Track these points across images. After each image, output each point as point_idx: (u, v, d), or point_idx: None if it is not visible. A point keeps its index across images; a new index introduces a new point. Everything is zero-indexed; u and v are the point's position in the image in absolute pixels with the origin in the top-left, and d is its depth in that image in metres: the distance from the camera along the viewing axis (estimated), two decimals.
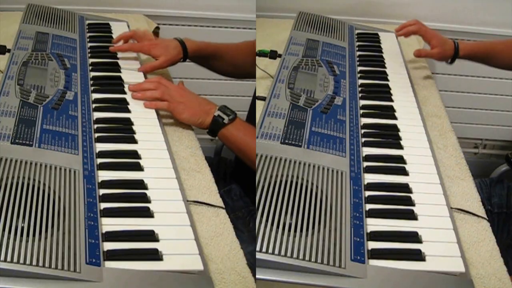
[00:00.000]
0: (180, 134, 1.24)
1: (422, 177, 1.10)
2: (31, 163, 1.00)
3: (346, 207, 0.98)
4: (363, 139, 1.18)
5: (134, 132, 1.17)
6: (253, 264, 0.93)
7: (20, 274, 0.82)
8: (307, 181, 1.00)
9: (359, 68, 1.45)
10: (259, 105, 1.24)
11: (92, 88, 1.29)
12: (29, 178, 0.96)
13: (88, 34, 1.52)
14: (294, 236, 0.90)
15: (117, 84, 1.32)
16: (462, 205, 1.09)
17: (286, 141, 1.09)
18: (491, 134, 2.24)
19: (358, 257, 0.90)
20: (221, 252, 0.99)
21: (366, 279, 0.88)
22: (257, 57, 1.43)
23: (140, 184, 1.04)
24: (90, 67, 1.37)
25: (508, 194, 1.45)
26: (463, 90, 2.11)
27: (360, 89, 1.35)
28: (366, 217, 0.98)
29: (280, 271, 0.87)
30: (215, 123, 1.21)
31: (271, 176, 1.00)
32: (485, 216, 1.08)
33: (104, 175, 1.04)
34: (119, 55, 1.43)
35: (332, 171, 1.05)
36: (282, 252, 0.87)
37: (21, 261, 0.82)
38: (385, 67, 1.48)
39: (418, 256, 0.92)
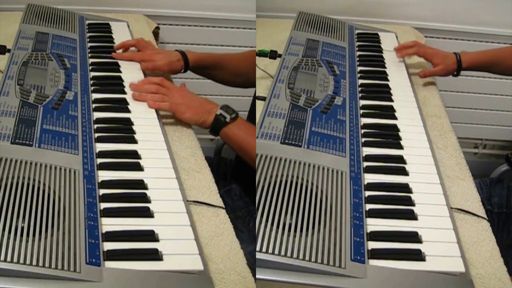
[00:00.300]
0: (180, 134, 1.24)
1: (422, 177, 1.10)
2: (31, 163, 1.00)
3: (346, 207, 0.98)
4: (363, 139, 1.18)
5: (134, 132, 1.17)
6: (253, 264, 0.93)
7: (20, 274, 0.82)
8: (307, 181, 1.00)
9: (359, 68, 1.45)
10: (259, 105, 1.24)
11: (92, 88, 1.29)
12: (29, 178, 0.96)
13: (88, 34, 1.52)
14: (294, 236, 0.90)
15: (117, 84, 1.32)
16: (462, 205, 1.09)
17: (286, 141, 1.09)
18: (491, 134, 2.24)
19: (358, 257, 0.90)
20: (221, 252, 0.99)
21: (366, 279, 0.88)
22: (257, 57, 1.43)
23: (140, 184, 1.04)
24: (90, 67, 1.37)
25: (508, 194, 1.45)
26: (463, 90, 2.11)
27: (360, 89, 1.35)
28: (366, 217, 0.98)
29: (280, 271, 0.87)
30: (217, 122, 1.21)
31: (271, 176, 1.00)
32: (485, 216, 1.08)
33: (104, 175, 1.04)
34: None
35: (332, 171, 1.05)
36: (282, 252, 0.87)
37: (21, 261, 0.82)
38: (385, 67, 1.48)
39: (418, 256, 0.92)
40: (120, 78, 1.34)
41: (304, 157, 1.06)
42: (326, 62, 1.39)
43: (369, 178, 1.07)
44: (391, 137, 1.20)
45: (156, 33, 1.82)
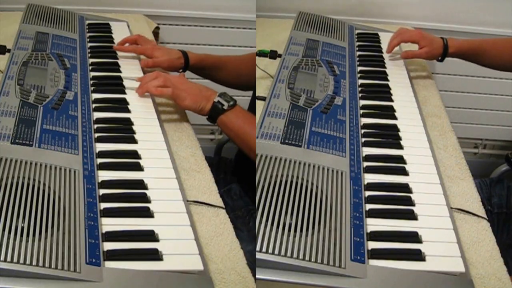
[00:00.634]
0: (180, 134, 1.24)
1: (422, 177, 1.10)
2: (31, 163, 1.00)
3: (346, 207, 0.98)
4: (363, 139, 1.18)
5: (134, 132, 1.17)
6: (252, 263, 0.93)
7: (20, 274, 0.82)
8: (307, 181, 1.00)
9: (359, 68, 1.45)
10: (259, 105, 1.24)
11: (92, 88, 1.29)
12: (29, 178, 0.96)
13: (88, 34, 1.52)
14: (294, 236, 0.90)
15: (117, 84, 1.32)
16: (462, 205, 1.09)
17: (286, 141, 1.09)
18: (491, 134, 2.24)
19: (358, 257, 0.90)
20: (221, 252, 0.99)
21: (366, 279, 0.88)
22: (257, 57, 1.43)
23: (140, 184, 1.04)
24: (90, 67, 1.37)
25: (508, 194, 1.45)
26: (463, 90, 2.11)
27: (360, 89, 1.35)
28: (366, 217, 0.98)
29: (280, 271, 0.87)
30: (214, 109, 1.21)
31: (271, 176, 1.00)
32: (485, 216, 1.08)
33: (104, 175, 1.04)
34: (120, 54, 1.44)
35: (332, 171, 1.05)
36: (282, 252, 0.87)
37: (21, 261, 0.82)
38: (385, 67, 1.48)
39: (418, 256, 0.92)
40: (120, 78, 1.34)
41: (304, 157, 1.06)
42: (326, 62, 1.39)
43: (369, 178, 1.07)
44: (391, 137, 1.20)
45: (156, 33, 1.83)
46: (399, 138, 1.20)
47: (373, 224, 0.97)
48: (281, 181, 0.99)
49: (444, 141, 1.27)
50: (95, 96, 1.26)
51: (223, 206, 1.08)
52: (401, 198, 1.04)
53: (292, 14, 1.62)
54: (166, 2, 1.91)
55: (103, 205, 0.97)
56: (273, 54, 1.43)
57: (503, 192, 1.45)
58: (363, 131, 1.20)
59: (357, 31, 1.63)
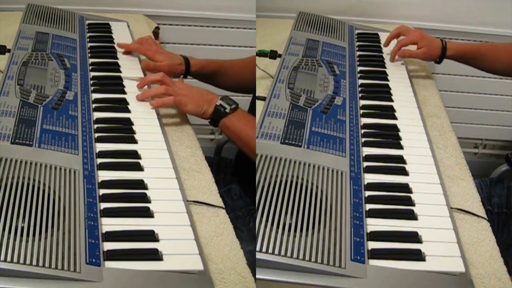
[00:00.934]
0: (180, 134, 1.24)
1: (422, 177, 1.10)
2: (31, 163, 1.00)
3: (346, 207, 0.98)
4: (363, 139, 1.18)
5: (134, 132, 1.17)
6: (252, 263, 0.93)
7: (20, 274, 0.82)
8: (307, 181, 1.00)
9: (359, 68, 1.45)
10: (259, 105, 1.24)
11: (92, 88, 1.29)
12: (29, 178, 0.96)
13: (88, 34, 1.52)
14: (294, 236, 0.90)
15: (117, 84, 1.32)
16: (462, 205, 1.09)
17: (286, 141, 1.09)
18: (491, 134, 2.24)
19: (358, 257, 0.90)
20: (221, 252, 0.99)
21: (366, 279, 0.88)
22: (257, 57, 1.43)
23: (140, 184, 1.04)
24: (90, 67, 1.37)
25: (508, 194, 1.45)
26: (463, 90, 2.11)
27: (360, 89, 1.35)
28: (366, 217, 0.98)
29: (280, 271, 0.87)
30: (216, 112, 1.21)
31: (271, 176, 1.00)
32: (485, 216, 1.08)
33: (104, 175, 1.04)
34: (120, 54, 1.44)
35: (332, 171, 1.05)
36: (282, 252, 0.87)
37: (21, 261, 0.82)
38: (385, 67, 1.48)
39: (418, 256, 0.92)
40: (120, 78, 1.34)
41: (304, 157, 1.06)
42: (326, 62, 1.39)
43: (369, 178, 1.07)
44: (391, 137, 1.20)
45: (156, 33, 1.83)
46: (399, 138, 1.20)
47: (373, 224, 0.97)
48: (281, 181, 0.99)
49: (444, 141, 1.27)
50: (95, 96, 1.26)
51: (223, 206, 1.08)
52: (401, 198, 1.04)
53: (292, 14, 1.62)
54: (166, 2, 1.91)
55: (103, 205, 0.97)
56: (273, 54, 1.43)
57: (503, 192, 1.45)
58: (363, 131, 1.20)
59: (357, 31, 1.63)
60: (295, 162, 1.04)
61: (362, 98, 1.32)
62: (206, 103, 1.22)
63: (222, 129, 1.24)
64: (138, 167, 1.08)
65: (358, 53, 1.52)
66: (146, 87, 1.30)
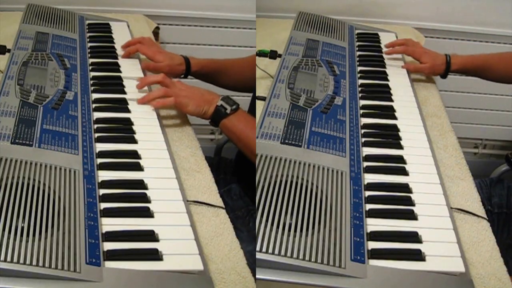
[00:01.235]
0: (180, 134, 1.24)
1: (422, 177, 1.10)
2: (31, 163, 1.00)
3: (346, 207, 0.98)
4: (363, 139, 1.18)
5: (134, 132, 1.17)
6: (252, 263, 0.93)
7: (20, 274, 0.82)
8: (307, 181, 1.00)
9: (359, 68, 1.45)
10: (259, 105, 1.24)
11: (92, 88, 1.29)
12: (29, 178, 0.96)
13: (88, 34, 1.52)
14: (294, 236, 0.90)
15: (117, 84, 1.32)
16: (462, 205, 1.09)
17: (286, 141, 1.09)
18: (491, 134, 2.24)
19: (358, 257, 0.90)
20: (221, 252, 0.99)
21: (366, 279, 0.88)
22: (257, 57, 1.43)
23: (140, 184, 1.04)
24: (90, 67, 1.37)
25: (508, 194, 1.45)
26: (463, 90, 2.11)
27: (360, 89, 1.35)
28: (366, 217, 0.98)
29: (280, 271, 0.87)
30: (217, 113, 1.21)
31: (271, 176, 1.00)
32: (485, 216, 1.08)
33: (104, 175, 1.04)
34: (120, 54, 1.44)
35: (332, 171, 1.05)
36: (282, 252, 0.87)
37: (21, 261, 0.82)
38: (385, 67, 1.48)
39: (418, 256, 0.92)
40: (120, 78, 1.34)
41: (304, 157, 1.06)
42: (326, 62, 1.39)
43: (369, 178, 1.07)
44: (391, 137, 1.20)
45: (156, 33, 1.82)
46: (399, 138, 1.20)
47: (373, 224, 0.97)
48: (281, 181, 0.99)
49: (444, 141, 1.27)
50: (95, 96, 1.26)
51: (223, 206, 1.08)
52: (401, 198, 1.04)
53: (292, 14, 1.62)
54: (166, 2, 1.91)
55: (103, 205, 0.97)
56: (273, 54, 1.43)
57: (503, 192, 1.45)
58: (363, 131, 1.20)
59: (357, 31, 1.63)
60: (295, 162, 1.04)
61: (362, 98, 1.32)
62: (206, 103, 1.22)
63: (222, 130, 1.24)
64: (138, 167, 1.08)
65: (358, 53, 1.52)
66: (146, 88, 1.30)
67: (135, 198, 1.00)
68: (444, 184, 1.10)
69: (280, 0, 1.86)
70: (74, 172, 1.01)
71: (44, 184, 0.96)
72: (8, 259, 0.82)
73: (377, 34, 1.64)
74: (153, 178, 1.06)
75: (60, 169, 1.01)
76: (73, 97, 1.22)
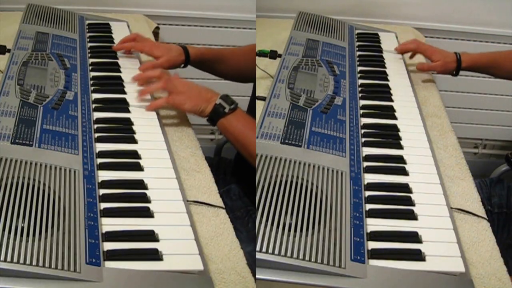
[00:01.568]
0: (180, 134, 1.24)
1: (422, 177, 1.10)
2: (31, 163, 1.00)
3: (346, 207, 0.98)
4: (363, 139, 1.18)
5: (134, 132, 1.17)
6: (251, 264, 0.93)
7: (20, 274, 0.82)
8: (307, 181, 1.00)
9: (359, 68, 1.45)
10: (259, 105, 1.24)
11: (92, 88, 1.29)
12: (29, 178, 0.96)
13: (88, 34, 1.52)
14: (294, 236, 0.90)
15: (117, 84, 1.32)
16: (462, 205, 1.09)
17: (286, 141, 1.09)
18: (491, 134, 2.24)
19: (358, 257, 0.90)
20: (221, 252, 0.99)
21: (366, 279, 0.88)
22: (257, 57, 1.43)
23: (140, 184, 1.04)
24: (90, 67, 1.37)
25: (508, 194, 1.45)
26: (463, 90, 2.11)
27: (360, 89, 1.35)
28: (366, 217, 0.98)
29: (280, 271, 0.87)
30: (215, 111, 1.20)
31: (271, 176, 1.00)
32: (485, 216, 1.08)
33: (104, 175, 1.04)
34: (120, 54, 1.44)
35: (332, 171, 1.05)
36: (282, 252, 0.87)
37: (21, 261, 0.82)
38: (385, 67, 1.48)
39: (418, 256, 0.92)
40: (120, 78, 1.34)
41: (304, 157, 1.06)
42: (326, 62, 1.39)
43: (369, 178, 1.07)
44: (391, 137, 1.20)
45: (156, 33, 1.83)
46: (399, 138, 1.20)
47: (373, 224, 0.97)
48: (281, 181, 0.99)
49: (444, 141, 1.27)
50: (95, 96, 1.26)
51: (223, 206, 1.08)
52: (401, 198, 1.04)
53: (292, 14, 1.62)
54: (166, 2, 1.91)
55: (103, 205, 0.97)
56: (273, 54, 1.43)
57: (503, 192, 1.45)
58: (363, 131, 1.20)
59: (357, 31, 1.63)
60: (295, 162, 1.04)
61: (362, 98, 1.32)
62: (204, 101, 1.21)
63: (220, 129, 1.23)
64: (138, 167, 1.08)
65: (358, 53, 1.52)
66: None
67: (135, 198, 1.00)
68: (444, 184, 1.10)
69: (280, 0, 1.86)
70: (74, 172, 1.01)
71: (44, 184, 0.96)
72: (8, 259, 0.82)
73: (377, 34, 1.64)
74: (153, 178, 1.06)
75: (60, 169, 1.01)
76: (73, 97, 1.22)
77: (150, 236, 0.93)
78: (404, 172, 1.10)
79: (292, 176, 1.01)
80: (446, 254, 0.94)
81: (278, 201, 0.94)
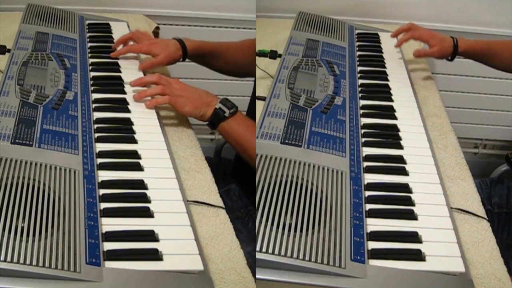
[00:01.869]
0: (180, 134, 1.24)
1: (422, 177, 1.10)
2: (31, 163, 1.00)
3: (346, 207, 0.98)
4: (363, 139, 1.18)
5: (134, 132, 1.17)
6: (251, 264, 0.93)
7: (20, 274, 0.82)
8: (307, 181, 1.00)
9: (359, 68, 1.45)
10: (259, 105, 1.24)
11: (92, 88, 1.29)
12: (29, 178, 0.96)
13: (88, 34, 1.52)
14: (294, 236, 0.90)
15: (117, 84, 1.32)
16: (462, 205, 1.09)
17: (286, 141, 1.09)
18: (491, 134, 2.24)
19: (358, 257, 0.90)
20: (221, 252, 0.99)
21: (366, 279, 0.88)
22: (257, 57, 1.43)
23: (140, 184, 1.04)
24: (90, 67, 1.37)
25: (508, 194, 1.45)
26: (463, 90, 2.11)
27: (360, 89, 1.35)
28: (366, 217, 0.98)
29: (280, 271, 0.87)
30: (215, 115, 1.20)
31: (271, 176, 1.00)
32: (485, 216, 1.08)
33: (104, 175, 1.04)
34: (120, 57, 1.44)
35: (332, 171, 1.05)
36: (282, 252, 0.87)
37: (21, 261, 0.82)
38: (385, 67, 1.48)
39: (418, 256, 0.92)
40: (120, 78, 1.34)
41: (304, 157, 1.06)
42: (326, 62, 1.39)
43: (369, 178, 1.07)
44: (391, 137, 1.20)
45: (156, 33, 1.83)
46: (399, 138, 1.20)
47: (373, 224, 0.97)
48: (281, 181, 0.99)
49: (444, 141, 1.27)
50: (95, 96, 1.26)
51: (223, 206, 1.08)
52: (401, 198, 1.04)
53: (292, 14, 1.62)
54: (166, 2, 1.91)
55: (103, 205, 0.97)
56: (273, 54, 1.43)
57: (503, 192, 1.45)
58: (363, 131, 1.20)
59: (357, 31, 1.63)
60: (295, 162, 1.04)
61: (362, 98, 1.32)
62: (204, 105, 1.21)
63: (220, 133, 1.23)
64: (138, 167, 1.08)
65: (358, 53, 1.52)
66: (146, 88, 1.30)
67: (135, 198, 1.00)
68: (444, 184, 1.10)
69: (280, 0, 1.86)
70: (74, 172, 1.01)
71: (44, 184, 0.96)
72: (8, 259, 0.82)
73: (377, 34, 1.65)
74: (153, 178, 1.06)
75: (60, 169, 1.01)
76: (73, 97, 1.22)
77: (150, 236, 0.93)
78: (404, 172, 1.10)
79: (292, 176, 1.01)
80: (446, 254, 0.94)
81: (278, 201, 0.94)
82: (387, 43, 1.60)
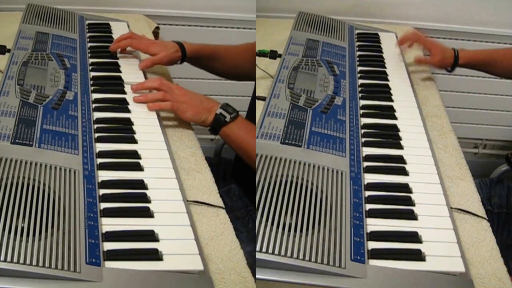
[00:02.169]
0: (180, 134, 1.24)
1: (422, 177, 1.10)
2: (31, 163, 1.00)
3: (346, 207, 0.98)
4: (363, 139, 1.18)
5: (134, 132, 1.17)
6: (251, 264, 0.93)
7: (20, 274, 0.82)
8: (307, 181, 1.00)
9: (359, 68, 1.45)
10: (259, 105, 1.24)
11: (92, 88, 1.29)
12: (29, 178, 0.96)
13: (88, 34, 1.52)
14: (294, 236, 0.90)
15: (117, 84, 1.32)
16: (462, 205, 1.09)
17: (286, 141, 1.09)
18: (491, 134, 2.24)
19: (358, 257, 0.90)
20: (221, 252, 0.99)
21: (366, 279, 0.88)
22: (257, 57, 1.43)
23: (140, 184, 1.04)
24: (90, 67, 1.37)
25: (508, 194, 1.45)
26: (463, 90, 2.11)
27: (360, 89, 1.35)
28: (366, 217, 0.98)
29: (280, 271, 0.87)
30: (217, 121, 1.21)
31: (271, 176, 1.00)
32: (485, 216, 1.08)
33: (104, 175, 1.04)
34: (119, 54, 1.44)
35: (332, 171, 1.05)
36: (282, 252, 0.87)
37: (21, 261, 0.82)
38: (385, 67, 1.48)
39: (418, 256, 0.92)
40: (120, 78, 1.34)
41: (304, 157, 1.06)
42: (326, 62, 1.39)
43: (369, 178, 1.07)
44: (391, 137, 1.20)
45: (156, 33, 1.83)
46: (399, 138, 1.20)
47: (373, 224, 0.97)
48: (281, 181, 0.99)
49: (444, 141, 1.27)
50: (95, 96, 1.26)
51: (223, 206, 1.08)
52: (401, 198, 1.04)
53: (292, 14, 1.62)
54: (166, 2, 1.91)
55: (103, 205, 0.97)
56: (273, 54, 1.43)
57: (503, 192, 1.45)
58: (363, 131, 1.20)
59: (357, 31, 1.63)
60: (295, 162, 1.04)
61: (362, 98, 1.32)
62: (205, 111, 1.22)
63: (222, 138, 1.24)
64: (138, 167, 1.08)
65: (358, 53, 1.52)
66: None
67: (135, 198, 1.00)
68: (444, 184, 1.10)
69: (280, 0, 1.86)
70: (74, 172, 1.01)
71: (44, 184, 0.96)
72: (8, 259, 0.82)
73: (377, 34, 1.65)
74: (153, 178, 1.06)
75: (60, 169, 1.01)
76: (73, 97, 1.22)
77: (150, 236, 0.93)
78: (404, 172, 1.10)
79: (292, 176, 1.01)
80: (446, 254, 0.94)
81: (278, 201, 0.94)
82: (387, 43, 1.60)
